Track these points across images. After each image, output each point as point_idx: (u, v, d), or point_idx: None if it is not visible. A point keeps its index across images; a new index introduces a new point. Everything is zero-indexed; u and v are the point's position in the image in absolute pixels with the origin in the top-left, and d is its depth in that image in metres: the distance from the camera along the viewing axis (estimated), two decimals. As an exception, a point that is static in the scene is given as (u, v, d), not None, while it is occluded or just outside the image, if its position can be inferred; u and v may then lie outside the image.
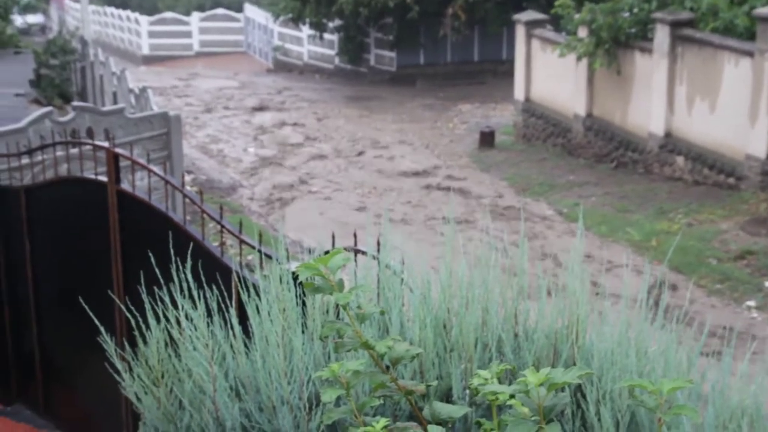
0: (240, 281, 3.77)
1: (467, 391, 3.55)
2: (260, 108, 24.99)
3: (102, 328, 3.64)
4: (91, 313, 3.93)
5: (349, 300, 2.20)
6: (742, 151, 14.27)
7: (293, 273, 3.74)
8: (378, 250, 4.03)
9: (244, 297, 3.60)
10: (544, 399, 1.76)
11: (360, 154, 19.67)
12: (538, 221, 14.17)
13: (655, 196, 15.01)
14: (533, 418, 2.01)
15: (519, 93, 20.38)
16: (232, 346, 3.49)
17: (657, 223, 13.57)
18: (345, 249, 3.05)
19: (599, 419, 3.01)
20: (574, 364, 3.38)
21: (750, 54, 14.07)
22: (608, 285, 3.94)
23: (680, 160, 15.63)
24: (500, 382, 2.07)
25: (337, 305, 3.67)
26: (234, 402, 3.43)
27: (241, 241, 4.82)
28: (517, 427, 1.73)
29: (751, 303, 10.72)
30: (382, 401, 2.45)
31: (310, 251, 4.09)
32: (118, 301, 5.28)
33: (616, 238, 13.12)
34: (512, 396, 1.89)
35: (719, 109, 14.83)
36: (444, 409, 2.22)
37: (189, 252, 3.82)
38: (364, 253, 4.04)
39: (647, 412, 2.99)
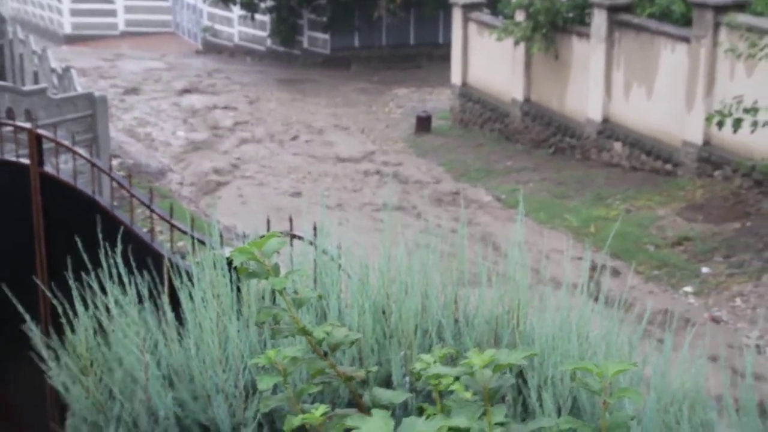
0: (172, 267, 3.73)
1: (407, 378, 3.57)
2: (189, 90, 24.70)
3: (27, 316, 3.57)
4: (14, 300, 3.85)
5: (286, 285, 2.19)
6: (679, 137, 14.56)
7: (227, 258, 3.72)
8: (314, 236, 4.02)
9: (177, 283, 3.56)
10: (490, 381, 1.77)
11: (293, 138, 19.59)
12: (476, 207, 14.28)
13: (593, 182, 15.24)
14: (476, 401, 2.02)
15: (456, 77, 20.47)
16: (164, 334, 3.46)
17: (595, 210, 13.78)
18: (280, 234, 3.03)
19: (541, 404, 3.05)
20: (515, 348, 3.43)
21: (686, 40, 14.35)
22: (548, 271, 3.99)
23: (618, 146, 15.89)
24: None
25: (273, 291, 3.66)
26: (167, 391, 3.40)
27: (172, 226, 4.77)
28: (463, 410, 1.74)
29: (688, 289, 10.97)
30: (320, 388, 2.45)
31: (243, 237, 4.07)
32: (42, 287, 5.19)
33: (554, 224, 13.29)
34: (457, 378, 1.90)
35: (656, 94, 15.10)
36: (384, 395, 2.23)
37: (118, 238, 3.76)
38: (300, 238, 4.03)
39: (589, 396, 3.04)
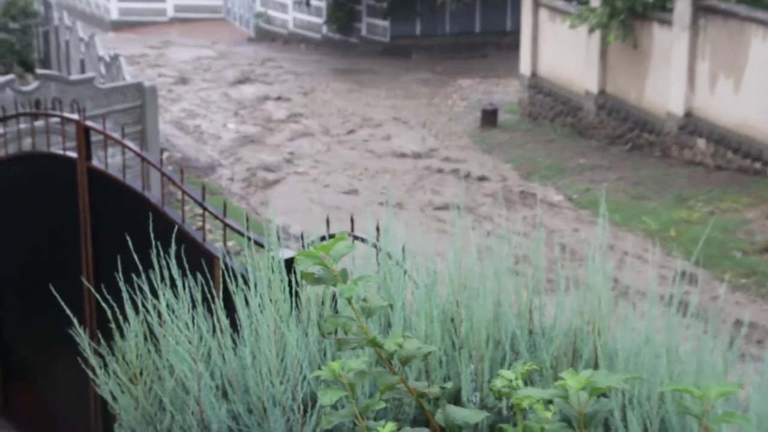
0: (226, 269, 3.73)
1: (477, 394, 3.52)
2: (241, 80, 24.88)
3: (74, 319, 3.59)
4: (61, 302, 3.88)
5: (355, 293, 2.16)
6: (770, 134, 14.28)
7: (285, 261, 3.70)
8: (378, 238, 3.98)
9: (231, 287, 3.55)
10: (585, 405, 1.72)
11: (350, 132, 19.61)
12: (545, 208, 14.16)
13: (674, 181, 15.01)
14: (560, 424, 1.97)
15: (525, 67, 20.32)
16: (218, 341, 3.45)
17: (675, 212, 13.57)
18: (346, 235, 3.00)
19: (626, 425, 2.98)
20: (597, 365, 3.36)
21: (780, 27, 14.06)
22: (626, 279, 3.91)
23: (701, 142, 15.62)
24: (526, 385, 2.04)
25: (334, 296, 3.63)
26: (220, 403, 3.39)
27: (226, 226, 4.78)
28: (557, 436, 1.69)
29: (779, 300, 10.74)
30: (387, 404, 2.41)
31: (302, 237, 4.05)
32: (91, 288, 5.23)
33: (630, 227, 13.11)
34: (549, 402, 1.85)
35: (745, 87, 14.81)
36: (459, 414, 2.19)
37: (168, 237, 3.77)
38: (363, 240, 4.00)
39: (680, 419, 2.96)
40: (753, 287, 11.06)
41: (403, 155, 17.74)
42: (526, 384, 2.54)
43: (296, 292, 3.61)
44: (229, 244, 7.17)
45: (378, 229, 4.10)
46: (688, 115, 15.90)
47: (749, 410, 2.87)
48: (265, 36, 32.96)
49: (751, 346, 3.23)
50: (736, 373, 3.23)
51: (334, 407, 3.03)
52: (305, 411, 3.34)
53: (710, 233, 12.20)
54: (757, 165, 14.55)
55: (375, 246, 3.91)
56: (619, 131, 17.52)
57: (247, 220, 4.56)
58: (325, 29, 30.72)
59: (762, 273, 11.38)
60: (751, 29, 14.64)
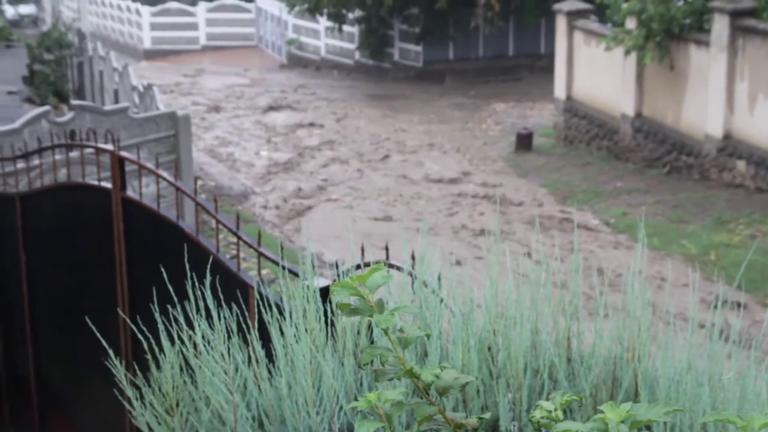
0: (261, 299, 3.75)
1: (515, 423, 3.51)
2: (273, 107, 25.06)
3: (110, 350, 3.62)
4: (97, 333, 3.92)
5: (391, 323, 2.17)
6: (811, 155, 14.15)
7: (320, 290, 3.72)
8: (413, 266, 3.99)
9: (267, 317, 3.57)
10: (627, 437, 1.71)
11: (384, 158, 19.66)
12: (582, 232, 14.10)
13: (713, 204, 14.89)
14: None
15: (560, 91, 20.31)
16: (254, 372, 3.47)
17: (715, 235, 13.45)
18: (382, 265, 3.01)
19: (667, 456, 2.96)
20: (637, 393, 3.34)
21: (819, 47, 13.96)
22: (666, 304, 3.89)
23: (741, 164, 15.50)
24: (565, 415, 2.03)
25: (370, 325, 3.64)
26: (256, 433, 3.40)
27: (260, 254, 4.80)
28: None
29: (823, 324, 10.61)
30: (426, 435, 2.41)
31: (337, 266, 4.07)
32: (126, 319, 5.27)
33: (669, 251, 13.02)
34: (590, 432, 1.84)
35: (785, 108, 14.70)
36: (498, 444, 2.18)
37: (203, 266, 3.80)
38: (398, 268, 4.01)
39: (722, 449, 2.94)
40: (797, 312, 10.93)
41: (437, 180, 17.75)
42: (565, 414, 2.53)
43: (332, 322, 3.62)
44: (264, 272, 7.20)
45: (413, 257, 4.11)
46: (727, 137, 15.79)
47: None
48: (297, 62, 33.19)
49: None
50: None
51: (371, 438, 3.03)
52: (342, 442, 3.34)
53: (752, 257, 12.08)
54: (799, 187, 14.43)
55: (410, 274, 3.92)
56: (656, 154, 17.43)
57: (282, 248, 4.59)
58: (357, 55, 30.90)
59: (806, 297, 11.24)
60: (789, 49, 14.56)
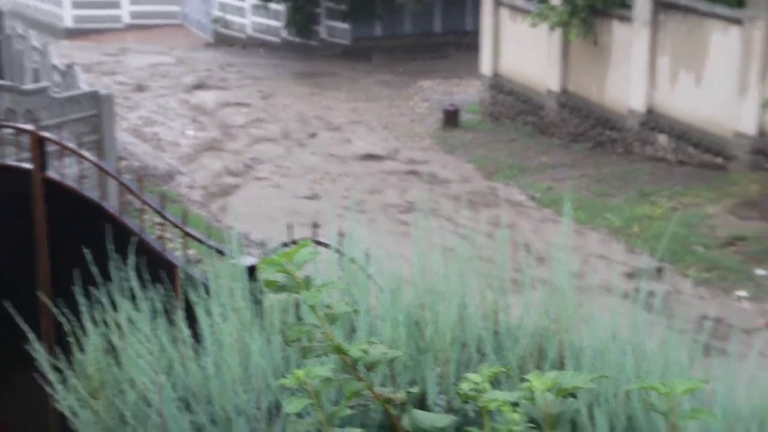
0: (188, 279, 3.70)
1: (442, 397, 3.52)
2: (199, 86, 24.76)
3: (32, 334, 3.54)
4: (17, 317, 3.83)
5: (319, 300, 2.15)
6: (731, 128, 14.41)
7: (247, 268, 3.68)
8: (341, 243, 3.97)
9: (193, 296, 3.53)
10: (552, 406, 1.71)
11: (311, 136, 19.58)
12: (508, 207, 14.21)
13: (636, 178, 15.12)
14: (528, 426, 1.97)
15: (486, 67, 20.39)
16: (180, 352, 3.42)
17: (639, 208, 13.67)
18: (303, 241, 2.99)
19: (593, 423, 2.99)
20: (562, 364, 3.36)
21: (739, 22, 14.21)
22: (591, 276, 3.94)
23: (663, 138, 15.76)
24: (492, 387, 2.04)
25: (297, 303, 3.62)
26: (183, 414, 3.36)
27: (186, 234, 4.75)
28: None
29: (742, 293, 10.84)
30: (354, 411, 2.40)
31: (264, 244, 4.03)
32: (48, 302, 5.17)
33: (594, 224, 13.19)
34: (516, 404, 1.85)
35: (706, 82, 14.95)
36: (425, 418, 2.18)
37: (127, 247, 3.73)
38: (325, 245, 3.99)
39: (646, 416, 2.98)
40: (715, 281, 11.16)
41: (365, 158, 17.74)
42: (493, 386, 2.54)
43: (259, 300, 3.59)
44: (190, 252, 7.12)
45: (341, 234, 4.09)
46: (650, 111, 16.03)
47: (715, 406, 2.89)
48: (223, 41, 32.81)
49: (715, 340, 3.26)
50: (702, 368, 3.25)
51: (300, 415, 3.02)
52: (270, 420, 3.32)
53: (673, 229, 12.31)
54: (719, 160, 14.70)
55: (338, 251, 3.90)
56: (581, 129, 17.63)
57: (208, 228, 4.53)
58: (284, 33, 30.64)
59: (724, 267, 11.49)
60: (710, 24, 14.79)
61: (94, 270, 3.84)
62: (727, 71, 14.41)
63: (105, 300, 3.50)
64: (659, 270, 3.43)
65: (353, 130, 19.90)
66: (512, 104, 19.55)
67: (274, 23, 30.99)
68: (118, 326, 3.45)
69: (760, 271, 11.31)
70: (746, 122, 14.14)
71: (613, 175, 15.44)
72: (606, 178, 15.35)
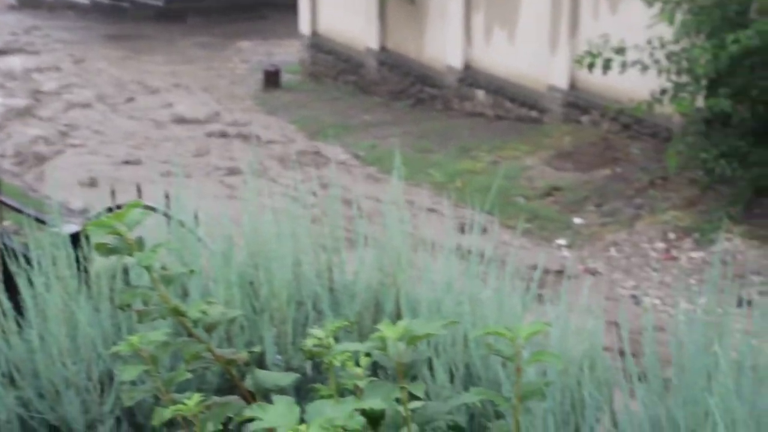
0: (6, 250, 3.51)
1: (280, 357, 3.48)
2: (4, 51, 23.59)
3: None
4: None
5: (153, 261, 2.06)
6: (544, 82, 14.85)
7: (70, 236, 3.52)
8: (168, 206, 3.87)
9: (13, 267, 3.35)
10: (404, 355, 1.70)
11: (128, 100, 19.01)
12: (334, 167, 14.21)
13: (457, 133, 15.40)
14: (375, 379, 1.95)
15: (304, 27, 20.26)
16: (1, 326, 3.25)
17: (460, 163, 13.93)
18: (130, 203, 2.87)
19: (432, 373, 3.02)
20: (399, 317, 3.38)
21: (548, -21, 14.59)
22: (420, 231, 3.96)
23: (481, 94, 16.09)
24: (336, 341, 2.01)
25: (126, 270, 3.49)
26: (8, 390, 3.20)
27: (1, 203, 4.51)
28: (377, 390, 1.67)
29: (562, 241, 11.25)
30: (194, 375, 2.33)
31: (86, 211, 3.88)
32: None
33: (418, 180, 13.36)
34: (368, 355, 1.82)
35: (519, 38, 15.33)
36: (268, 378, 2.13)
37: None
38: (153, 209, 3.86)
39: (483, 362, 3.03)
40: (537, 231, 11.52)
41: (185, 122, 17.37)
42: (335, 341, 2.52)
43: (85, 268, 3.45)
44: (6, 223, 6.80)
45: (167, 197, 3.97)
46: (467, 67, 16.31)
47: (550, 349, 2.97)
48: (28, 3, 31.36)
49: (543, 288, 3.37)
50: (534, 314, 3.33)
51: (134, 383, 2.92)
52: (102, 390, 3.20)
53: (494, 182, 12.62)
54: (534, 113, 15.14)
55: (166, 215, 3.79)
56: (401, 87, 17.78)
57: (25, 197, 4.32)
58: (93, -6, 29.54)
59: (544, 217, 11.87)
60: (521, -19, 15.14)
61: None
62: (539, 27, 14.80)
63: None
64: (483, 224, 3.50)
65: (172, 94, 19.45)
66: (333, 63, 19.52)
67: (83, -16, 29.84)
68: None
69: (577, 220, 11.75)
70: (558, 76, 14.59)
71: (434, 132, 15.68)
72: (427, 135, 15.56)
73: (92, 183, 13.38)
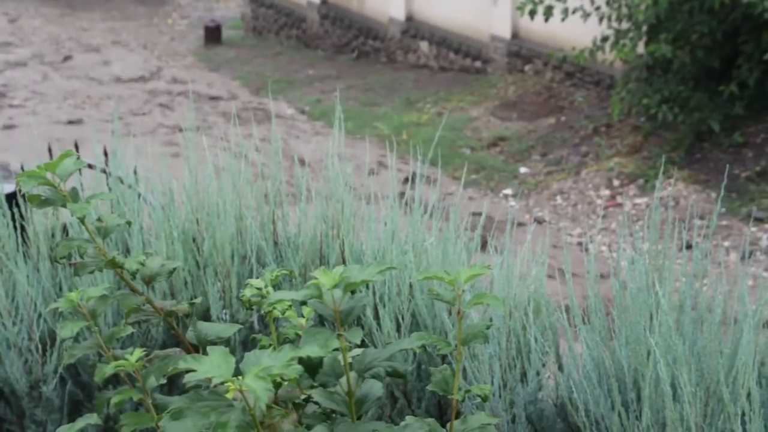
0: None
1: (226, 311, 3.47)
2: (-64, 11, 23.02)
3: None
4: None
5: (88, 211, 2.01)
6: (487, 32, 14.82)
7: (7, 196, 3.46)
8: (106, 162, 3.82)
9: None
10: (341, 302, 1.69)
11: (66, 59, 18.67)
12: (279, 122, 14.12)
13: (401, 86, 15.35)
14: (315, 327, 1.94)
15: (245, -20, 20.02)
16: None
17: (405, 115, 13.91)
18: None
19: (378, 323, 3.02)
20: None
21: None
22: (366, 183, 3.95)
23: (424, 45, 16.03)
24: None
25: (65, 227, 3.44)
26: (-53, 355, 3.15)
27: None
28: (315, 338, 1.66)
29: (508, 191, 11.30)
30: (136, 329, 2.30)
31: (23, 169, 3.80)
32: None
33: (363, 134, 13.32)
34: (304, 303, 1.81)
35: (461, -12, 15.27)
36: (211, 329, 2.11)
37: None
38: (91, 166, 3.80)
39: (429, 309, 3.03)
40: (483, 181, 11.56)
41: (126, 80, 17.12)
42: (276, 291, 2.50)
43: (22, 227, 3.40)
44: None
45: (106, 154, 3.92)
46: (410, 19, 16.23)
47: (495, 293, 2.98)
48: (-40, -39, 30.56)
49: (489, 237, 3.39)
50: (479, 262, 3.34)
51: (76, 340, 2.88)
52: (44, 350, 3.16)
53: (439, 133, 12.62)
54: (478, 64, 15.12)
55: (104, 171, 3.74)
56: (344, 40, 17.66)
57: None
58: (27, -49, 28.86)
59: (490, 167, 11.91)
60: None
61: None
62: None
63: None
64: (428, 175, 3.51)
65: (112, 51, 19.13)
66: (274, 18, 19.32)
67: (16, -59, 29.12)
68: None
69: (522, 169, 11.81)
70: (500, 26, 14.57)
71: (379, 84, 15.61)
72: (372, 88, 15.50)
73: (31, 145, 13.14)
